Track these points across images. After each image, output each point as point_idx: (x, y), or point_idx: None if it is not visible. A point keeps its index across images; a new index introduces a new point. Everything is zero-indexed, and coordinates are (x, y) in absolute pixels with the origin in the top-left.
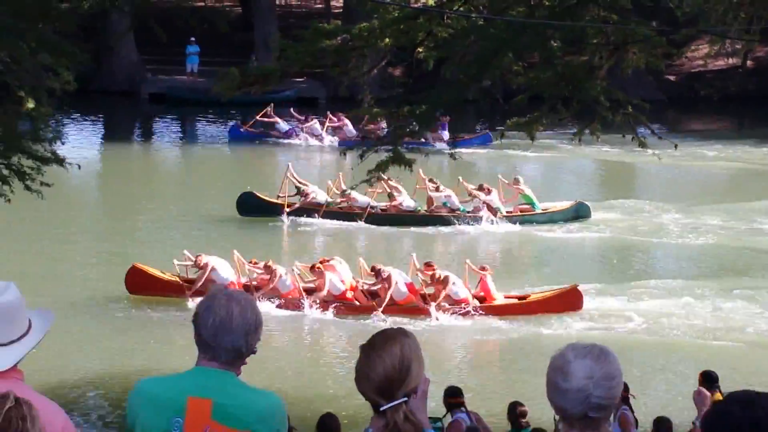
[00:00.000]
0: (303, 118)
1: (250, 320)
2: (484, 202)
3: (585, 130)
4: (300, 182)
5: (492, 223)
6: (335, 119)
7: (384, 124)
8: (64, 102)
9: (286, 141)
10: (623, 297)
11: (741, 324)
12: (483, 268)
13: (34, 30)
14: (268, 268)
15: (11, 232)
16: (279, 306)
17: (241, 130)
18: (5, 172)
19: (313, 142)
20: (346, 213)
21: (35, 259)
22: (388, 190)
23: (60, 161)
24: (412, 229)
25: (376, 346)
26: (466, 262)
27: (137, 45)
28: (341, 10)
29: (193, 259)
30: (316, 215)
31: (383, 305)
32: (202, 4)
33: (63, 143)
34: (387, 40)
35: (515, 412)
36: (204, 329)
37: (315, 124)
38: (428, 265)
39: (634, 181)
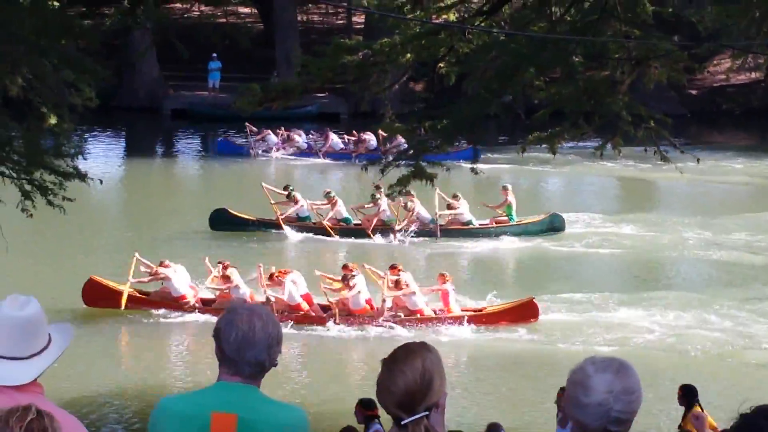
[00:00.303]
0: (288, 132)
1: (272, 334)
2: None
3: (607, 145)
4: (280, 193)
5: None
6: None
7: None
8: (86, 118)
9: (276, 154)
10: (582, 309)
11: (689, 335)
12: (444, 279)
13: (57, 47)
14: (226, 277)
15: (31, 246)
16: None
17: (234, 143)
18: (28, 187)
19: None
20: (319, 228)
21: (55, 273)
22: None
23: (82, 177)
24: (384, 241)
25: (398, 359)
26: (443, 274)
27: (159, 61)
28: (362, 26)
29: (152, 267)
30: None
31: (337, 315)
32: (224, 20)
33: (85, 159)
34: (408, 55)
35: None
36: (226, 344)
37: (301, 137)
38: (393, 267)
39: (655, 194)
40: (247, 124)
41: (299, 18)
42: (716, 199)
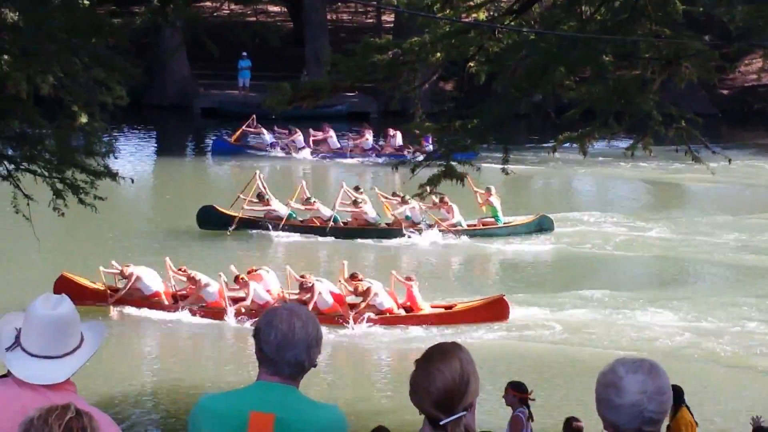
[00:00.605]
0: (287, 131)
1: (311, 334)
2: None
3: (638, 145)
4: (265, 191)
5: (453, 237)
6: (320, 133)
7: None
8: (117, 117)
9: (271, 153)
10: (551, 308)
11: (660, 335)
12: (409, 279)
13: (88, 45)
14: (191, 279)
15: (60, 244)
16: (203, 315)
17: (230, 142)
18: (59, 186)
19: (297, 154)
20: (308, 226)
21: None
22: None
23: (113, 175)
24: (372, 241)
25: (434, 359)
26: (392, 273)
27: (189, 60)
28: (392, 25)
29: (120, 268)
30: (275, 227)
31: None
32: (254, 19)
33: (116, 157)
34: (438, 54)
35: (570, 428)
36: (266, 344)
37: (299, 136)
38: (353, 277)
39: (684, 195)
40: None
41: (329, 17)
42: (746, 200)
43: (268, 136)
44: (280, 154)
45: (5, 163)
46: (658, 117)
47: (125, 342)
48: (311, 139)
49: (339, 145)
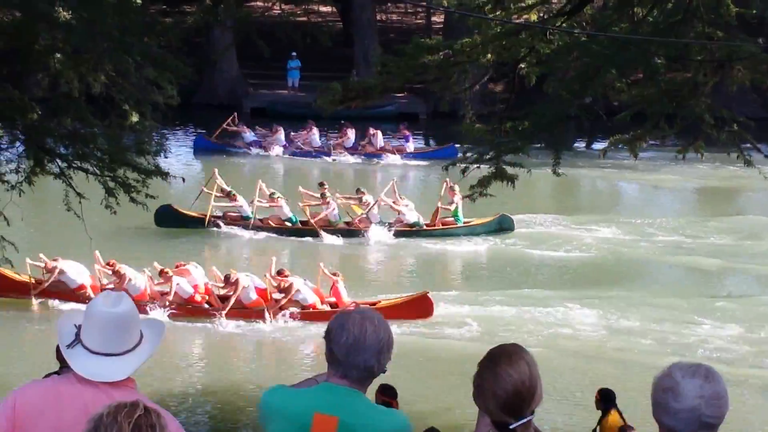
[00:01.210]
0: (269, 130)
1: (383, 339)
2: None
3: (689, 148)
4: (225, 190)
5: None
6: (303, 132)
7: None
8: (167, 116)
9: (252, 152)
10: (477, 305)
11: (579, 333)
12: (335, 274)
13: (140, 44)
14: (117, 272)
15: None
16: None
17: (211, 140)
18: (111, 184)
19: (273, 152)
20: (271, 226)
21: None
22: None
23: (164, 174)
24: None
25: (500, 362)
26: (319, 266)
27: (238, 59)
28: (441, 26)
29: (45, 261)
30: (243, 227)
31: (227, 308)
32: (305, 19)
33: (166, 157)
34: (489, 55)
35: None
36: (336, 346)
37: (280, 135)
38: (280, 273)
39: (736, 200)
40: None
41: (378, 17)
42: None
43: (249, 135)
44: (261, 152)
45: (57, 161)
46: (710, 120)
47: (46, 335)
48: (294, 137)
49: (320, 144)
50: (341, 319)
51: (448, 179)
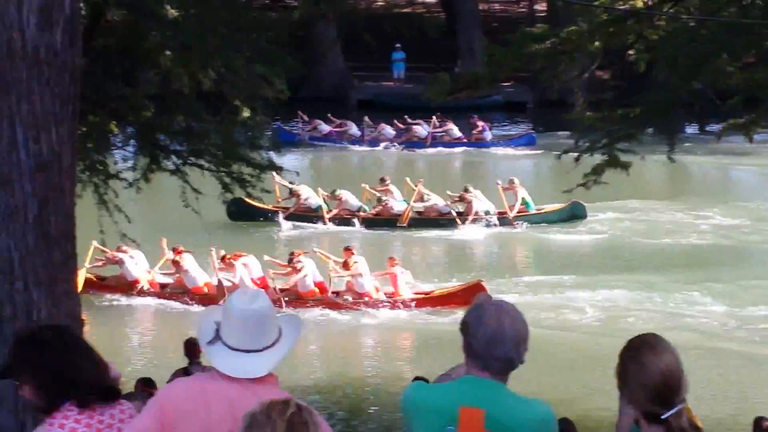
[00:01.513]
0: (339, 122)
1: (520, 331)
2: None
3: None
4: (289, 185)
5: (488, 226)
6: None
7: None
8: (277, 110)
9: (327, 143)
10: (588, 291)
11: (700, 321)
12: (392, 264)
13: (249, 40)
14: (176, 263)
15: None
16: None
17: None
18: (227, 179)
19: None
20: (342, 217)
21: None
22: (377, 195)
23: (277, 169)
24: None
25: (644, 352)
26: (392, 258)
27: (342, 52)
28: (544, 14)
29: (108, 252)
30: (316, 221)
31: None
32: (409, 10)
33: (279, 152)
34: (596, 43)
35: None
36: (474, 339)
37: (352, 129)
38: (348, 249)
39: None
40: (299, 111)
41: (480, 7)
42: None
43: (324, 126)
44: (366, 146)
45: (173, 157)
46: None
47: (110, 329)
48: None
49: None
50: (477, 312)
51: (499, 181)
